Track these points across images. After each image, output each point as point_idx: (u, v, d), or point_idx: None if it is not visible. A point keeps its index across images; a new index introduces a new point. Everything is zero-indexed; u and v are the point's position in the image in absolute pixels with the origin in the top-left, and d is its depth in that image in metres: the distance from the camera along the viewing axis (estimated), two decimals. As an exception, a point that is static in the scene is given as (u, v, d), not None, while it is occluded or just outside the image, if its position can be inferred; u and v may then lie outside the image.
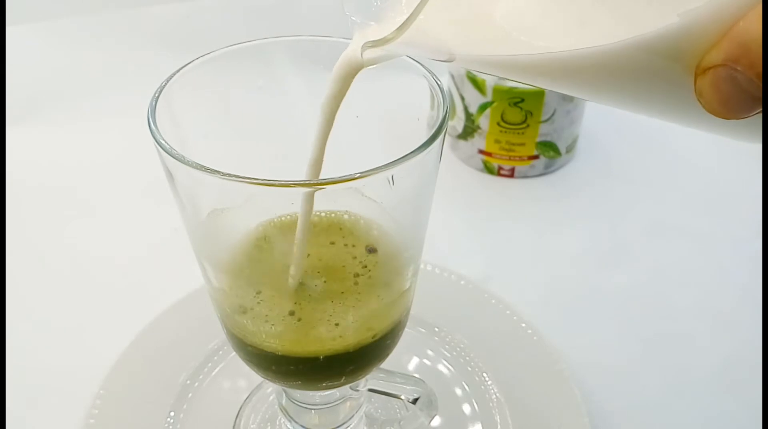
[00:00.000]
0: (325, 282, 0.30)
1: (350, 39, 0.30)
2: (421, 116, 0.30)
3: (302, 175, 0.31)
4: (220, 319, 0.33)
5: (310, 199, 0.29)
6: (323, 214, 0.33)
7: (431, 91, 0.29)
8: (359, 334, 0.30)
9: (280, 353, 0.32)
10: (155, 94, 0.28)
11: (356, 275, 0.31)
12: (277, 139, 0.34)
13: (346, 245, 0.32)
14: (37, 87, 0.70)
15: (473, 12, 0.23)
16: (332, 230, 0.32)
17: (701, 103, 0.17)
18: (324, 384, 0.35)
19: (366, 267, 0.31)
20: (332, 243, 0.32)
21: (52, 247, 0.55)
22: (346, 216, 0.33)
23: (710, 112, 0.17)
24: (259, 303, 0.30)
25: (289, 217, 0.32)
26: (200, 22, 0.74)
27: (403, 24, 0.22)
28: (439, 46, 0.23)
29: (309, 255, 0.31)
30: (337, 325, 0.30)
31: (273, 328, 0.30)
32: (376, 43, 0.24)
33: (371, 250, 0.32)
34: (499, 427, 0.41)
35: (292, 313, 0.30)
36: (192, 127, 0.30)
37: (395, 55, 0.25)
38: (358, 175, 0.24)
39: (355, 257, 0.32)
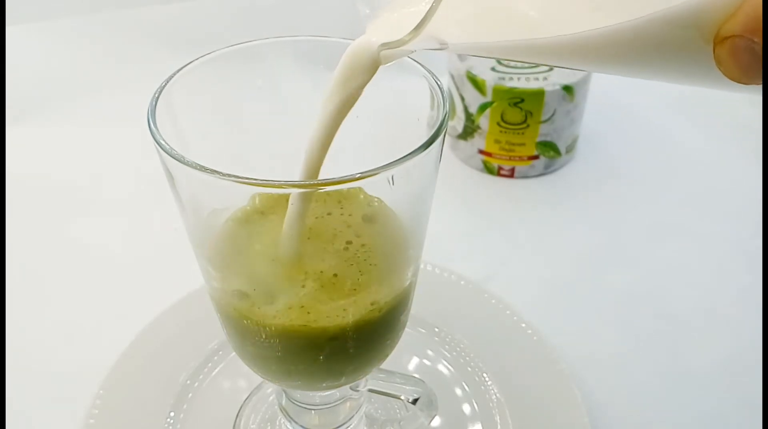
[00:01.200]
0: (324, 271, 0.30)
1: (349, 40, 0.31)
2: (421, 116, 0.30)
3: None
4: (220, 319, 0.33)
5: (308, 198, 0.29)
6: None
7: (431, 91, 0.29)
8: (363, 308, 0.30)
9: (281, 352, 0.32)
10: (155, 94, 0.28)
11: (356, 248, 0.31)
12: (277, 138, 0.34)
13: (342, 214, 0.32)
14: (37, 87, 0.70)
15: (485, 2, 0.23)
16: (330, 202, 0.32)
17: (721, 70, 0.18)
18: (324, 384, 0.35)
19: (360, 236, 0.31)
20: (329, 214, 0.32)
21: (51, 247, 0.55)
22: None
23: (730, 79, 0.18)
24: (260, 299, 0.30)
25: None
26: (200, 22, 0.74)
27: (418, 25, 0.23)
28: (454, 39, 0.23)
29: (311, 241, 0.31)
30: (342, 304, 0.30)
31: (274, 321, 0.30)
32: (391, 45, 0.24)
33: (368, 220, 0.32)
34: (499, 427, 0.41)
35: (294, 305, 0.29)
36: (192, 127, 0.30)
37: (412, 51, 0.25)
38: (358, 175, 0.25)
39: (350, 226, 0.31)
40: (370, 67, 0.26)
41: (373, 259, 0.31)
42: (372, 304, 0.30)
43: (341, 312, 0.29)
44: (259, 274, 0.30)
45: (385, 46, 0.25)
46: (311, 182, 0.29)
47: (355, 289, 0.30)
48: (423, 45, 0.24)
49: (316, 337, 0.30)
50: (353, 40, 0.30)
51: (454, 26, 0.23)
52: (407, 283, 0.32)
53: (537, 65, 0.59)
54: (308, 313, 0.29)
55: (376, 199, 0.32)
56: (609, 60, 0.21)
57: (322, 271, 0.30)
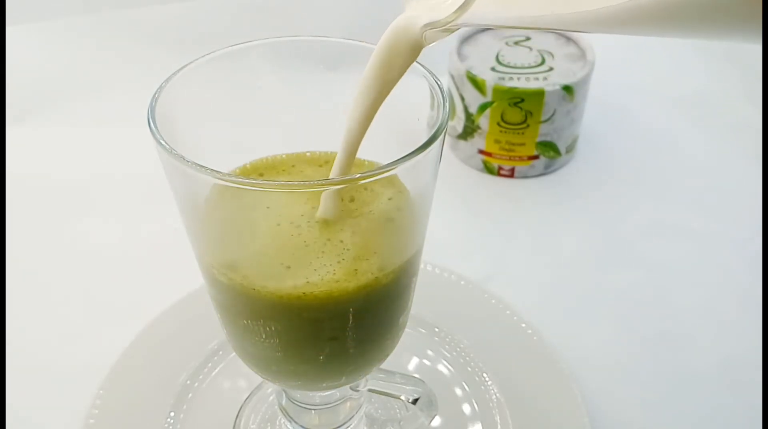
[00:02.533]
0: (330, 239, 0.29)
1: (350, 40, 0.31)
2: (421, 116, 0.30)
3: (304, 174, 0.31)
4: (220, 319, 0.33)
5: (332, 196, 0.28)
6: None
7: (431, 91, 0.29)
8: (370, 273, 0.29)
9: (281, 352, 0.32)
10: (155, 94, 0.28)
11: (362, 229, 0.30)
12: (277, 139, 0.34)
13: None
14: (37, 87, 0.70)
15: None
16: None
17: None
18: (324, 384, 0.35)
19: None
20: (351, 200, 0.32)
21: (51, 247, 0.55)
22: None
23: None
24: (264, 292, 0.29)
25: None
26: (200, 22, 0.74)
27: (461, 6, 0.22)
28: (499, 14, 0.23)
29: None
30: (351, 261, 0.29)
31: (275, 325, 0.30)
32: (436, 25, 0.24)
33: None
34: (499, 427, 0.41)
35: (301, 294, 0.28)
36: (192, 127, 0.30)
37: (456, 29, 0.24)
38: (358, 175, 0.25)
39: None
40: (414, 48, 0.25)
41: (379, 237, 0.30)
42: (380, 269, 0.29)
43: (351, 274, 0.28)
44: (263, 253, 0.29)
45: (430, 26, 0.24)
46: (309, 183, 0.29)
47: (360, 257, 0.29)
48: (468, 22, 0.23)
49: (320, 310, 0.29)
50: (353, 40, 0.30)
51: (498, 1, 0.23)
52: (407, 285, 0.32)
53: (538, 64, 0.59)
54: (315, 279, 0.28)
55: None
56: (656, 24, 0.20)
57: (328, 239, 0.29)
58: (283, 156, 0.34)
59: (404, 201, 0.31)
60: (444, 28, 0.24)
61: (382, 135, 0.32)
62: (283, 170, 0.33)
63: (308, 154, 0.34)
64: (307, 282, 0.28)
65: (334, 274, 0.28)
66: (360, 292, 0.29)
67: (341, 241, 0.29)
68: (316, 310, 0.29)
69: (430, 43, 0.25)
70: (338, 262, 0.28)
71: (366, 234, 0.29)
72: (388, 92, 0.27)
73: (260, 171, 0.33)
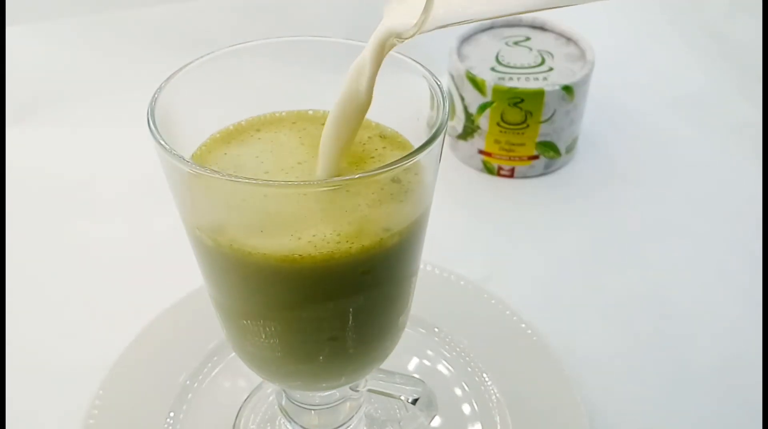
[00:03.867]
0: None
1: (350, 40, 0.31)
2: (421, 116, 0.30)
3: (307, 131, 0.31)
4: (220, 319, 0.33)
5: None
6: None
7: (431, 91, 0.29)
8: (375, 235, 0.27)
9: (280, 352, 0.32)
10: (155, 94, 0.28)
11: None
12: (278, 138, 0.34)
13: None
14: (37, 87, 0.70)
15: None
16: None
17: None
18: (324, 384, 0.35)
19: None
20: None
21: (51, 247, 0.55)
22: None
23: None
24: (257, 256, 0.27)
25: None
26: (200, 22, 0.74)
27: (423, 9, 0.23)
28: (466, 11, 0.24)
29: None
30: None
31: (275, 325, 0.30)
32: (402, 35, 0.25)
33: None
34: (498, 427, 0.41)
35: (296, 256, 0.27)
36: (191, 127, 0.30)
37: (429, 30, 0.25)
38: (358, 175, 0.25)
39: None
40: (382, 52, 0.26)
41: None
42: (385, 230, 0.27)
43: (354, 235, 0.27)
44: (256, 214, 0.28)
45: (397, 40, 0.25)
46: (315, 181, 0.29)
47: (365, 217, 0.27)
48: (435, 26, 0.24)
49: (319, 275, 0.27)
50: (353, 40, 0.30)
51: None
52: (407, 287, 0.32)
53: (538, 65, 0.59)
54: (315, 240, 0.26)
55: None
56: None
57: (331, 199, 0.27)
58: (283, 113, 0.33)
59: (410, 163, 0.30)
60: (414, 34, 0.25)
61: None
62: (284, 127, 0.32)
63: (310, 112, 0.33)
64: (308, 242, 0.26)
65: (338, 235, 0.26)
66: (363, 256, 0.27)
67: (344, 201, 0.27)
68: (315, 275, 0.27)
69: (402, 43, 0.26)
70: (340, 223, 0.27)
71: (371, 194, 0.28)
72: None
73: (257, 127, 0.32)
